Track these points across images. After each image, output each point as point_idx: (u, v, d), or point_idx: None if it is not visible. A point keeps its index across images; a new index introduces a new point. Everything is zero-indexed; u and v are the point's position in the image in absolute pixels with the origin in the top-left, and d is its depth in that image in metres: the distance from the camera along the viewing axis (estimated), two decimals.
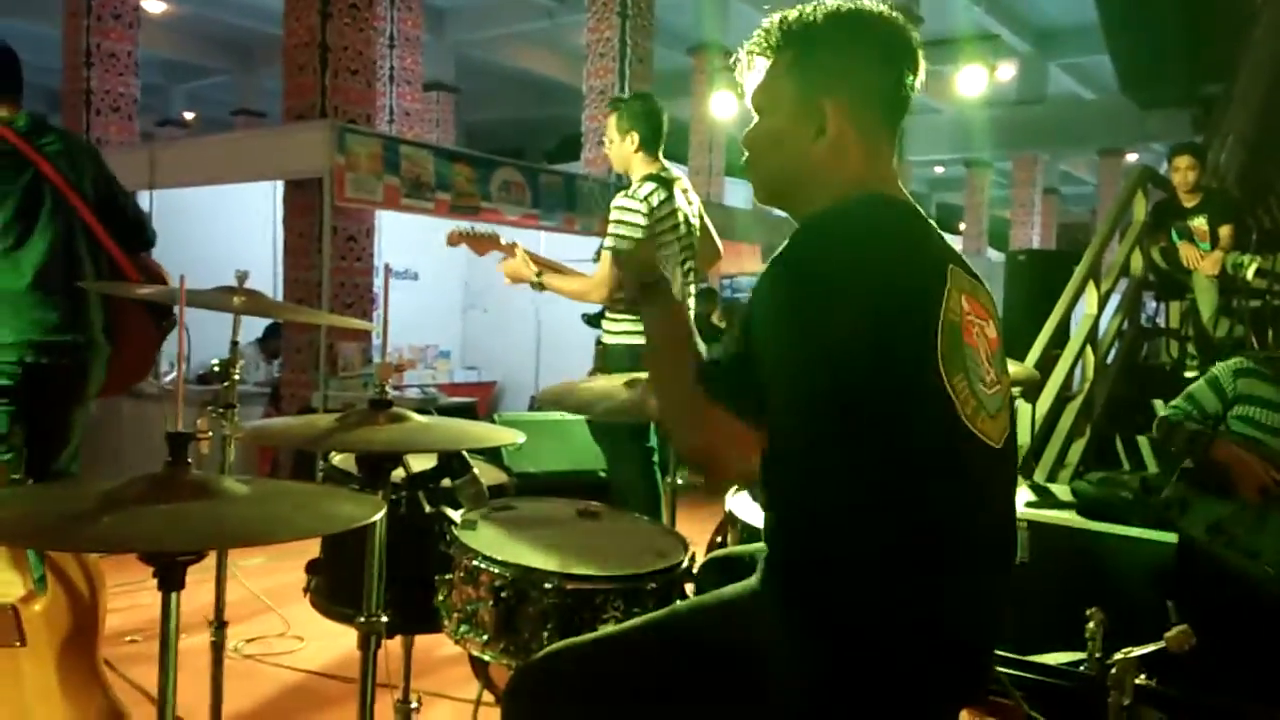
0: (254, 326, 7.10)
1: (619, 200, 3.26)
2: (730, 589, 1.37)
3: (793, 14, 1.36)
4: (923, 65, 1.37)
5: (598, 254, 3.38)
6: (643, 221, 3.20)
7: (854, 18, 1.35)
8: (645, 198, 3.23)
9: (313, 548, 1.99)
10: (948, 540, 1.22)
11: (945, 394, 1.20)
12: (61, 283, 2.58)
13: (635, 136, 3.33)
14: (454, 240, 3.32)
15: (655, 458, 3.42)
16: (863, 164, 1.34)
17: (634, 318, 3.27)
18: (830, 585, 1.23)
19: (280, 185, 6.61)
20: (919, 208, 1.36)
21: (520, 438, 1.79)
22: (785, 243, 1.24)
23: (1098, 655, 2.38)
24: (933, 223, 1.36)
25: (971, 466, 1.24)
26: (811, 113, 1.33)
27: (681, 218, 3.37)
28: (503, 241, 3.32)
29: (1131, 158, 15.91)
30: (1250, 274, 5.21)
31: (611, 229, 3.24)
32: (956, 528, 1.23)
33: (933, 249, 1.30)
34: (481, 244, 3.29)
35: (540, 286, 3.31)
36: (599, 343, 3.57)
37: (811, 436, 1.21)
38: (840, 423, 1.19)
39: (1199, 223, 5.36)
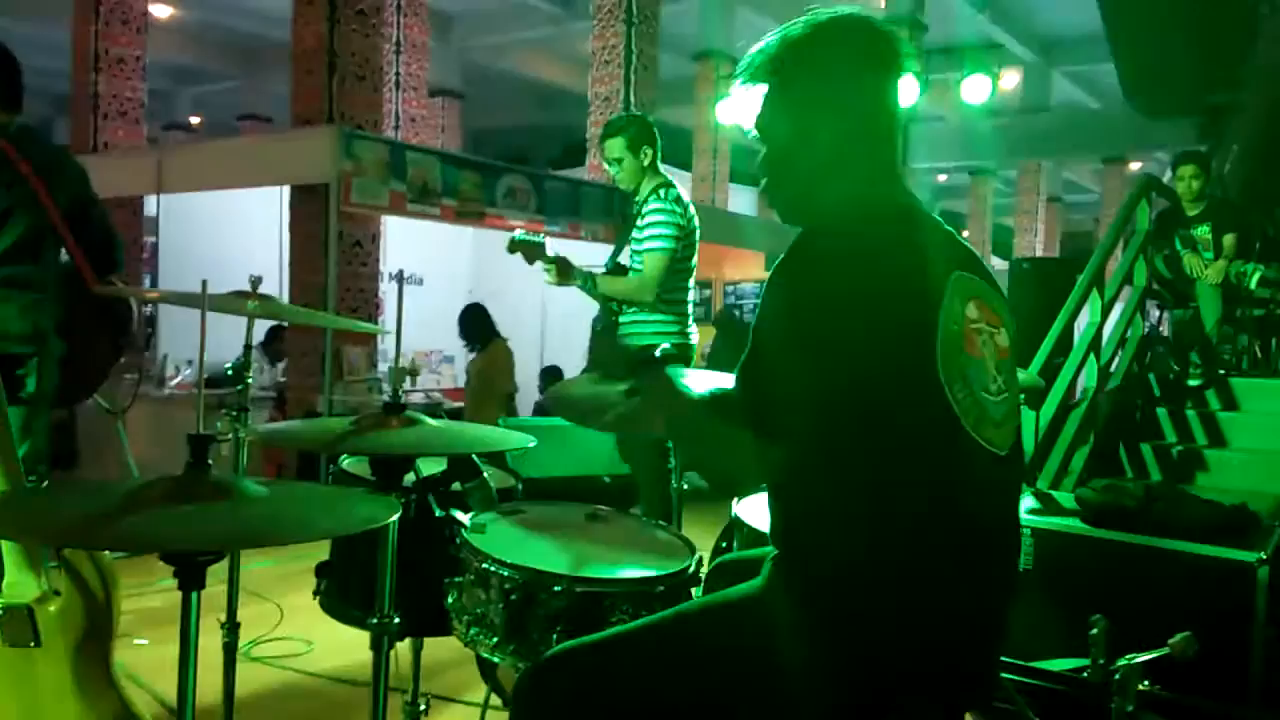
0: (255, 330, 7.11)
1: (659, 204, 3.41)
2: (735, 590, 1.39)
3: (774, 38, 1.38)
4: (910, 65, 1.38)
5: (638, 257, 3.49)
6: (683, 224, 3.41)
7: (834, 30, 1.36)
8: (685, 205, 3.44)
9: (320, 550, 2.01)
10: (952, 547, 1.24)
11: (946, 404, 1.22)
12: (21, 281, 2.62)
13: (649, 151, 3.49)
14: (514, 249, 3.47)
15: (671, 463, 3.47)
16: (864, 174, 1.36)
17: (660, 319, 3.44)
18: (834, 590, 1.25)
19: (287, 190, 6.64)
20: (927, 212, 1.38)
21: (531, 442, 1.81)
22: (782, 257, 1.26)
23: (1101, 661, 2.38)
24: (944, 226, 1.38)
25: (976, 475, 1.25)
26: (807, 131, 1.36)
27: (695, 225, 3.55)
28: (548, 253, 3.48)
29: (1135, 166, 15.92)
30: (1254, 283, 5.23)
31: (654, 230, 3.38)
32: (961, 535, 1.25)
33: (936, 256, 1.31)
34: (533, 252, 3.46)
35: (592, 286, 3.45)
36: (595, 336, 3.64)
37: (817, 445, 1.23)
38: (845, 432, 1.21)
39: (1203, 232, 5.38)
